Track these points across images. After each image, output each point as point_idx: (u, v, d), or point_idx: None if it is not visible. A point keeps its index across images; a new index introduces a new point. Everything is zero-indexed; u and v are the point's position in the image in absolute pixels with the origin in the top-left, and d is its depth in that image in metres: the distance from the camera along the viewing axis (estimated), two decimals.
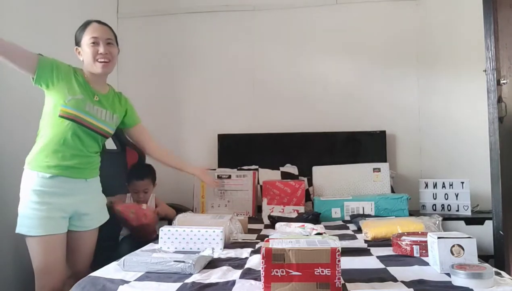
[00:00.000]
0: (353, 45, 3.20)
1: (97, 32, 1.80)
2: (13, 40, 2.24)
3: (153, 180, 2.51)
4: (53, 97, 1.76)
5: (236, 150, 3.20)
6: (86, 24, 1.83)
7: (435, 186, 2.74)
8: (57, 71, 1.74)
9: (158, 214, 2.40)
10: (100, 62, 1.80)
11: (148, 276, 1.34)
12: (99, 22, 1.85)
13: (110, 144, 2.46)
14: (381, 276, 1.29)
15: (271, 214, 2.52)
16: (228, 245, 1.80)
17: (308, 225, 2.03)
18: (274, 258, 1.14)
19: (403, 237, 1.64)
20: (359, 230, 2.07)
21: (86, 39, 1.79)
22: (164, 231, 1.73)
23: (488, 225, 2.36)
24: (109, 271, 1.42)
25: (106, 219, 1.99)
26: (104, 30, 1.83)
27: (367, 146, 3.09)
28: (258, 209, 2.77)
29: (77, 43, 1.84)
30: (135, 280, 1.31)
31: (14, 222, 2.13)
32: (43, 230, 1.69)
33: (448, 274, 1.26)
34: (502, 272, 1.30)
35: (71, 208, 1.79)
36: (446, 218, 2.43)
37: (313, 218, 2.36)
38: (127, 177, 2.48)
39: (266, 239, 1.30)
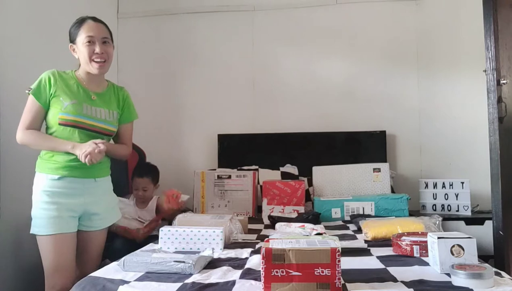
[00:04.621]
0: (353, 45, 3.20)
1: (93, 30, 1.78)
2: (13, 40, 2.26)
3: (153, 179, 2.53)
4: (51, 108, 1.76)
5: (236, 150, 3.20)
6: (81, 21, 1.80)
7: (435, 186, 2.74)
8: (48, 86, 1.75)
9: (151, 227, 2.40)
10: (97, 62, 1.78)
11: (148, 276, 1.34)
12: (94, 19, 1.82)
13: None
14: (381, 276, 1.29)
15: (271, 214, 2.53)
16: (228, 245, 1.80)
17: (308, 225, 2.03)
18: (274, 258, 1.14)
19: (403, 237, 1.64)
20: (359, 230, 2.07)
21: (82, 38, 1.77)
22: (164, 231, 1.73)
23: (488, 225, 2.36)
24: (109, 271, 1.42)
25: (117, 219, 1.99)
26: (100, 28, 1.81)
27: (367, 146, 3.08)
28: (258, 209, 2.77)
29: (72, 40, 1.82)
30: (135, 280, 1.31)
31: (15, 223, 2.15)
32: (53, 229, 1.70)
33: (448, 274, 1.26)
34: (502, 272, 1.30)
35: (80, 208, 1.80)
36: (446, 218, 2.43)
37: (313, 218, 2.36)
38: (131, 175, 2.52)
39: (266, 239, 1.30)
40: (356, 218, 2.30)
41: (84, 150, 1.70)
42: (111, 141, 1.99)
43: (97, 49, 1.77)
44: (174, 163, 3.25)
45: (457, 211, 2.67)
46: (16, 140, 1.76)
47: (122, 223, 2.28)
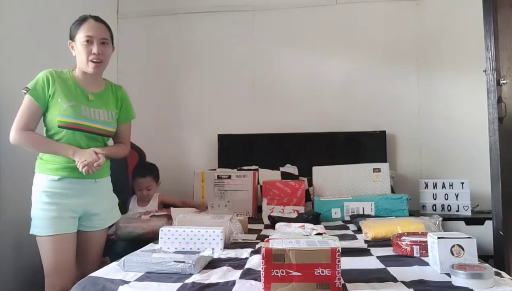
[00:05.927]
0: (353, 45, 3.20)
1: (92, 30, 1.77)
2: (12, 39, 2.26)
3: (155, 178, 2.56)
4: (49, 111, 1.76)
5: (236, 150, 3.20)
6: (82, 20, 1.79)
7: (435, 186, 2.74)
8: (47, 87, 1.74)
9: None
10: (93, 62, 1.78)
11: (148, 276, 1.34)
12: (95, 19, 1.81)
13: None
14: (381, 276, 1.29)
15: (271, 214, 2.53)
16: (228, 245, 1.80)
17: (308, 225, 2.03)
18: (274, 258, 1.14)
19: (403, 237, 1.64)
20: (359, 230, 2.07)
21: (80, 37, 1.76)
22: (164, 231, 1.73)
23: (488, 225, 2.36)
24: (109, 271, 1.42)
25: (117, 219, 2.00)
26: (100, 29, 1.80)
27: (367, 146, 3.08)
28: (258, 209, 2.77)
29: (71, 38, 1.81)
30: (135, 280, 1.31)
31: (15, 223, 2.15)
32: (53, 230, 1.70)
33: (448, 274, 1.26)
34: (502, 272, 1.30)
35: (80, 208, 1.80)
36: (446, 218, 2.43)
37: (313, 218, 2.36)
38: (132, 176, 2.52)
39: (266, 239, 1.30)
40: (356, 218, 2.30)
41: (84, 159, 1.71)
42: (110, 141, 1.99)
43: (95, 50, 1.76)
44: (174, 163, 3.25)
45: (457, 211, 2.67)
46: (10, 140, 1.73)
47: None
